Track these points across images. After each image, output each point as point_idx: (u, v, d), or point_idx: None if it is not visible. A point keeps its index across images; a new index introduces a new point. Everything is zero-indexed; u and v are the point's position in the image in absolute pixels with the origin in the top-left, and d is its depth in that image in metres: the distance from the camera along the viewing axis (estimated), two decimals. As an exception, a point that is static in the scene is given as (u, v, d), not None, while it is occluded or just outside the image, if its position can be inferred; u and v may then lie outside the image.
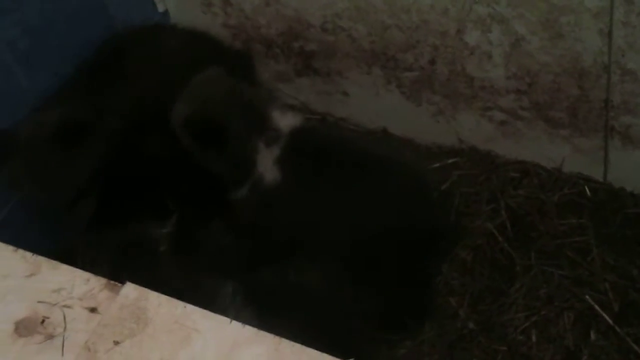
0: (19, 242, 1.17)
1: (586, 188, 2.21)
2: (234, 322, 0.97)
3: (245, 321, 0.98)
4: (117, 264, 1.99)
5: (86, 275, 1.06)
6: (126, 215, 2.00)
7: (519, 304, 2.04)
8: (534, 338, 1.98)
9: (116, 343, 0.98)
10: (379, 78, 2.28)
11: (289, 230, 1.99)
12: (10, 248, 1.10)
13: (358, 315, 2.05)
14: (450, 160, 2.33)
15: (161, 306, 1.00)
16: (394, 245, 1.93)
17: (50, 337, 1.01)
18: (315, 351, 0.93)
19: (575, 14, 1.85)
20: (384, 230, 1.91)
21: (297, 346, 0.94)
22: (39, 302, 1.04)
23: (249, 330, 0.96)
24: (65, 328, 1.01)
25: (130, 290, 1.03)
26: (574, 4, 1.83)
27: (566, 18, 1.87)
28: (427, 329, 2.03)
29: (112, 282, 1.05)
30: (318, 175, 1.94)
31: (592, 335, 1.96)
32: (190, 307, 1.00)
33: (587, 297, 2.02)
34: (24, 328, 1.02)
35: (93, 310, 1.02)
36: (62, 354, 0.99)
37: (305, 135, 2.01)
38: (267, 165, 1.96)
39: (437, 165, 2.33)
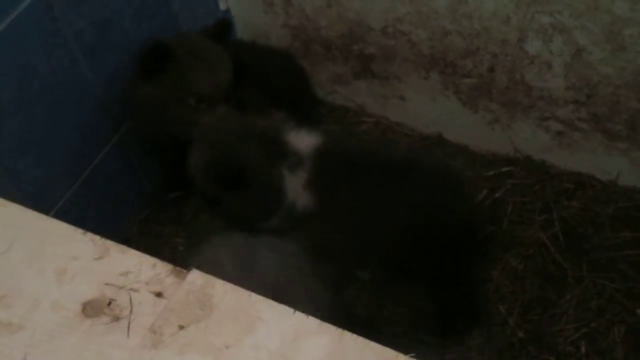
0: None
1: (641, 202, 2.20)
2: (298, 313, 0.98)
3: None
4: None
5: (153, 260, 1.07)
6: None
7: (569, 315, 2.03)
8: (583, 350, 1.98)
9: (181, 327, 0.99)
10: (437, 83, 2.29)
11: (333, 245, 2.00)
12: (80, 231, 1.12)
13: (408, 318, 2.06)
14: (504, 169, 2.33)
15: (226, 294, 1.02)
16: (439, 249, 1.92)
17: (117, 319, 1.02)
18: (378, 344, 0.94)
19: (639, 26, 1.84)
20: (426, 235, 1.91)
21: (360, 339, 0.95)
22: (106, 284, 1.06)
23: (313, 321, 0.97)
24: (131, 311, 1.03)
25: (197, 276, 1.04)
26: (638, 16, 1.83)
27: (629, 30, 1.87)
28: (475, 335, 2.03)
29: (178, 268, 1.06)
30: (353, 189, 1.93)
31: (643, 350, 1.96)
32: (255, 296, 1.01)
33: (638, 311, 2.01)
34: (91, 309, 1.04)
35: (159, 294, 1.04)
36: (128, 336, 1.00)
37: (330, 153, 1.97)
38: (297, 191, 1.95)
39: (491, 173, 2.33)
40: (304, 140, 1.96)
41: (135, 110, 2.13)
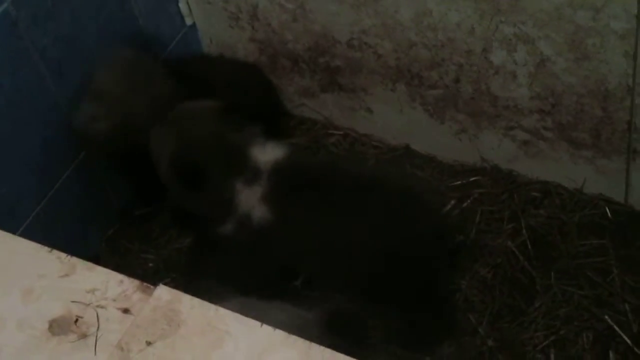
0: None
1: (607, 209, 2.22)
2: (265, 326, 0.99)
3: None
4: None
5: (120, 277, 1.07)
6: None
7: (538, 322, 2.05)
8: (552, 357, 1.99)
9: (148, 343, 0.99)
10: (403, 95, 2.30)
11: (288, 259, 2.04)
12: (46, 249, 1.12)
13: (378, 331, 2.06)
14: (472, 179, 2.35)
15: (194, 309, 1.02)
16: (401, 264, 1.93)
17: (84, 336, 1.02)
18: (346, 356, 0.94)
19: (601, 36, 1.87)
20: (389, 250, 1.92)
21: (328, 351, 0.95)
22: (73, 302, 1.06)
23: (280, 334, 0.98)
24: (98, 328, 1.03)
25: (163, 292, 1.04)
26: (600, 26, 1.85)
27: (592, 40, 1.89)
28: (446, 345, 2.04)
29: (145, 284, 1.06)
30: (312, 205, 1.96)
31: (611, 356, 1.97)
32: (222, 310, 1.01)
33: (606, 317, 2.02)
34: (57, 327, 1.04)
35: (126, 311, 1.04)
36: (95, 353, 1.00)
37: (289, 169, 2.00)
38: (252, 204, 1.97)
39: (458, 183, 2.35)
40: (266, 155, 1.99)
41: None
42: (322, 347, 0.96)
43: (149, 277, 2.21)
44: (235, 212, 1.98)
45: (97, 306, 1.05)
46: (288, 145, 2.10)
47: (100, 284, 1.07)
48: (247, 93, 2.32)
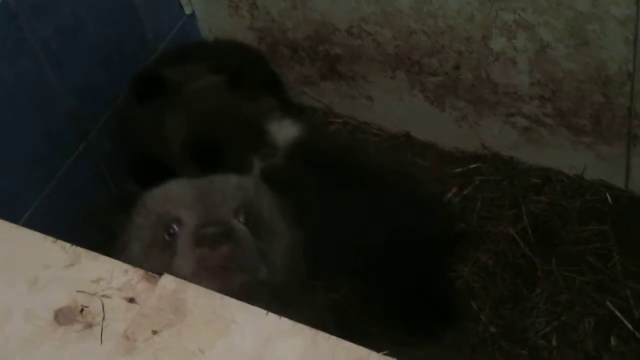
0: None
1: (608, 195, 2.22)
2: (271, 314, 0.99)
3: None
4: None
5: (125, 266, 1.08)
6: None
7: (540, 308, 2.05)
8: (554, 343, 2.00)
9: (154, 332, 1.00)
10: (403, 83, 2.30)
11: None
12: (50, 239, 1.12)
13: (380, 318, 2.07)
14: (472, 166, 2.35)
15: (199, 298, 1.02)
16: (403, 252, 1.94)
17: (89, 325, 1.03)
18: (351, 343, 0.95)
19: (601, 21, 1.87)
20: (390, 237, 1.92)
21: (333, 338, 0.96)
22: (78, 291, 1.06)
23: (286, 323, 0.98)
24: (104, 317, 1.03)
25: (169, 281, 1.04)
26: (600, 12, 1.85)
27: (592, 26, 1.89)
28: (448, 332, 2.04)
29: (149, 273, 1.07)
30: (316, 187, 1.95)
31: (613, 341, 1.98)
32: (227, 299, 1.02)
33: (607, 303, 2.03)
34: (63, 317, 1.04)
35: (131, 300, 1.04)
36: (101, 342, 1.01)
37: (301, 149, 2.00)
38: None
39: (459, 170, 2.35)
40: (283, 132, 1.98)
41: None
42: (327, 335, 0.96)
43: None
44: None
45: (103, 296, 1.06)
46: (304, 123, 2.08)
47: (105, 274, 1.08)
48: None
